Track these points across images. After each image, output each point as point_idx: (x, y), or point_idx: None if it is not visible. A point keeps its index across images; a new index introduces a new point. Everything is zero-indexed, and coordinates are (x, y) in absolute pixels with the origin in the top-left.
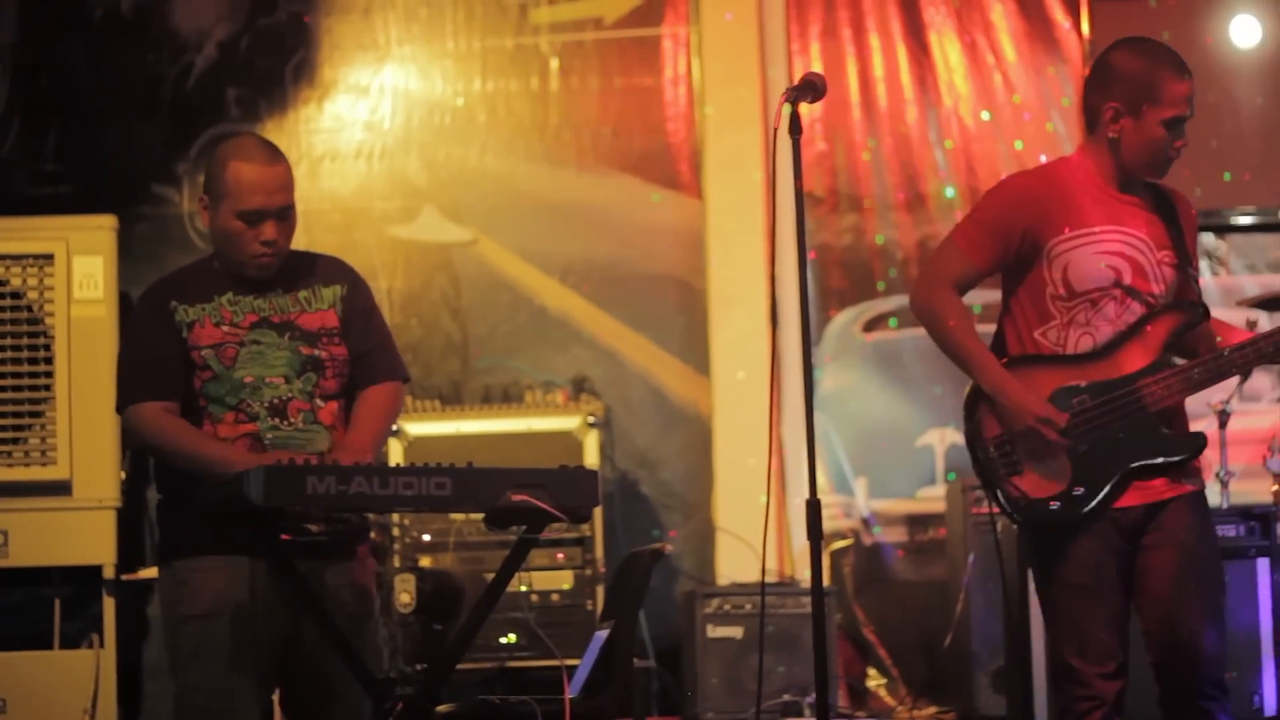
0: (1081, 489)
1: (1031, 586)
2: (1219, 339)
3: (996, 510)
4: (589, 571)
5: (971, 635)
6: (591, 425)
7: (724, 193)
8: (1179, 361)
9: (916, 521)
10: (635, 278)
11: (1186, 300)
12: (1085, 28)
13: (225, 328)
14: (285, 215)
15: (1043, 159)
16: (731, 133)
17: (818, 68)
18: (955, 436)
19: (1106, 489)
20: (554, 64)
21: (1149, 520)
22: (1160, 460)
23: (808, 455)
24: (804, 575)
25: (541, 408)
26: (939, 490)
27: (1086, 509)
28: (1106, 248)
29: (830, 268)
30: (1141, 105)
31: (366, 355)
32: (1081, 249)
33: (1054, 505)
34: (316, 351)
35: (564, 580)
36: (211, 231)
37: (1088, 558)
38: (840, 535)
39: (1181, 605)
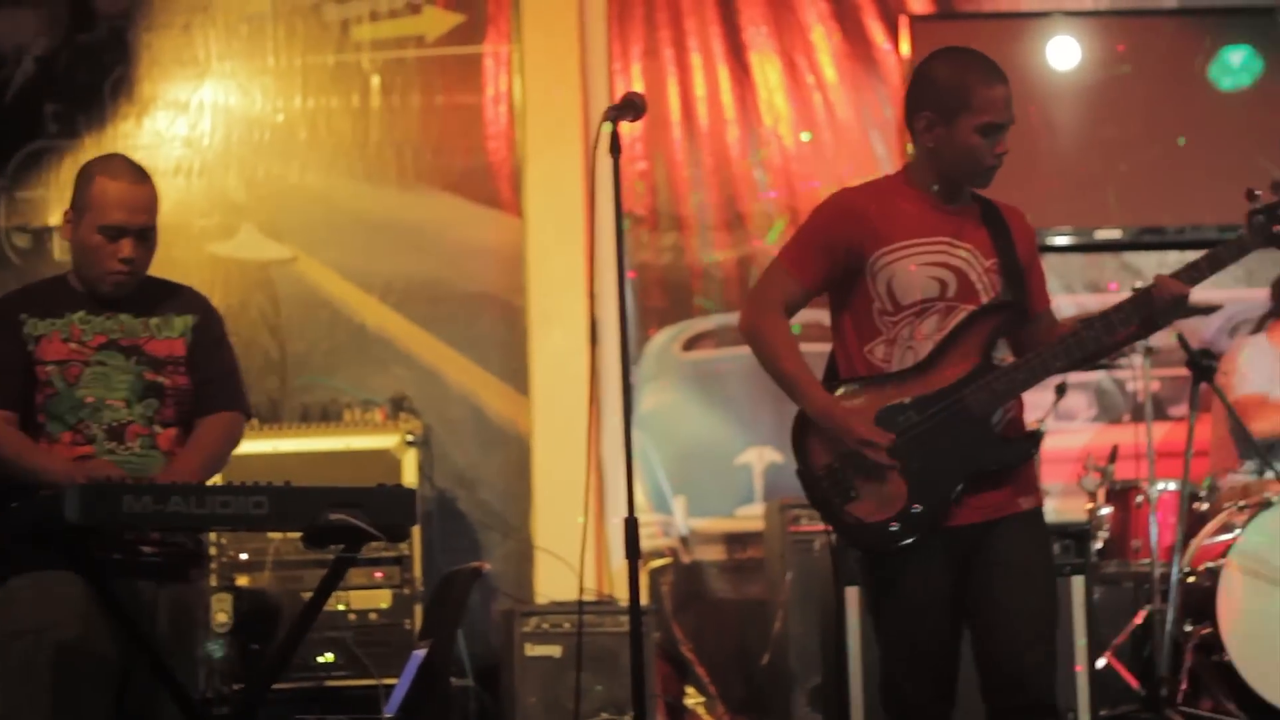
0: (920, 506)
1: (848, 604)
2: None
3: (830, 529)
4: (407, 591)
5: (789, 653)
6: (410, 444)
7: (544, 211)
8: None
9: (735, 540)
10: (455, 296)
11: (1003, 301)
12: (905, 48)
13: (73, 345)
14: (145, 236)
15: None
16: (552, 151)
17: (639, 87)
18: (774, 455)
19: (942, 503)
20: (375, 81)
21: (985, 538)
22: (992, 467)
23: (625, 474)
24: (623, 594)
25: (360, 426)
26: (757, 509)
27: (926, 525)
28: (930, 259)
29: (650, 286)
30: (954, 113)
31: (208, 384)
32: (904, 262)
33: (894, 527)
34: (160, 379)
35: (382, 599)
36: (72, 245)
37: (922, 577)
38: (659, 554)
39: (1012, 628)
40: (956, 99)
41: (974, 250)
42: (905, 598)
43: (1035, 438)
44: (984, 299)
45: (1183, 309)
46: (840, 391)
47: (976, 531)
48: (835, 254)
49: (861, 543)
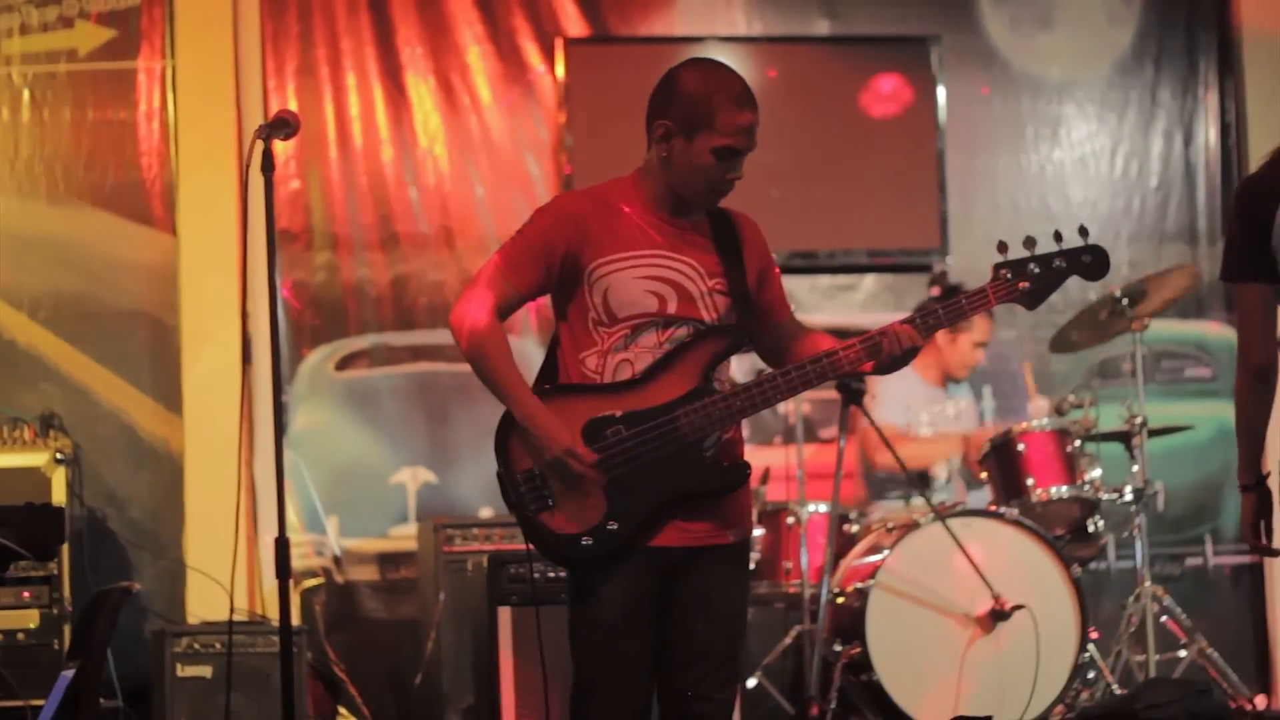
0: (615, 524)
1: (501, 624)
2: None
3: (533, 547)
4: (55, 610)
5: (442, 673)
6: (59, 462)
7: (197, 229)
8: (722, 388)
9: (388, 560)
10: (106, 313)
11: (729, 326)
12: (560, 71)
13: None
14: None
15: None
16: (206, 168)
17: (294, 105)
18: (427, 475)
19: (641, 522)
20: (25, 95)
21: (686, 566)
22: (696, 491)
23: (277, 493)
24: (275, 614)
25: (7, 444)
26: (411, 529)
27: (620, 544)
28: (650, 273)
29: (304, 305)
30: (695, 128)
31: None
32: (623, 273)
33: (586, 541)
34: None
35: (30, 619)
36: None
37: (619, 597)
38: (311, 573)
39: (699, 668)
40: (701, 115)
41: (698, 266)
42: (603, 615)
43: (746, 467)
44: (705, 316)
45: (913, 357)
46: (550, 398)
47: (681, 556)
48: (552, 260)
49: (552, 554)
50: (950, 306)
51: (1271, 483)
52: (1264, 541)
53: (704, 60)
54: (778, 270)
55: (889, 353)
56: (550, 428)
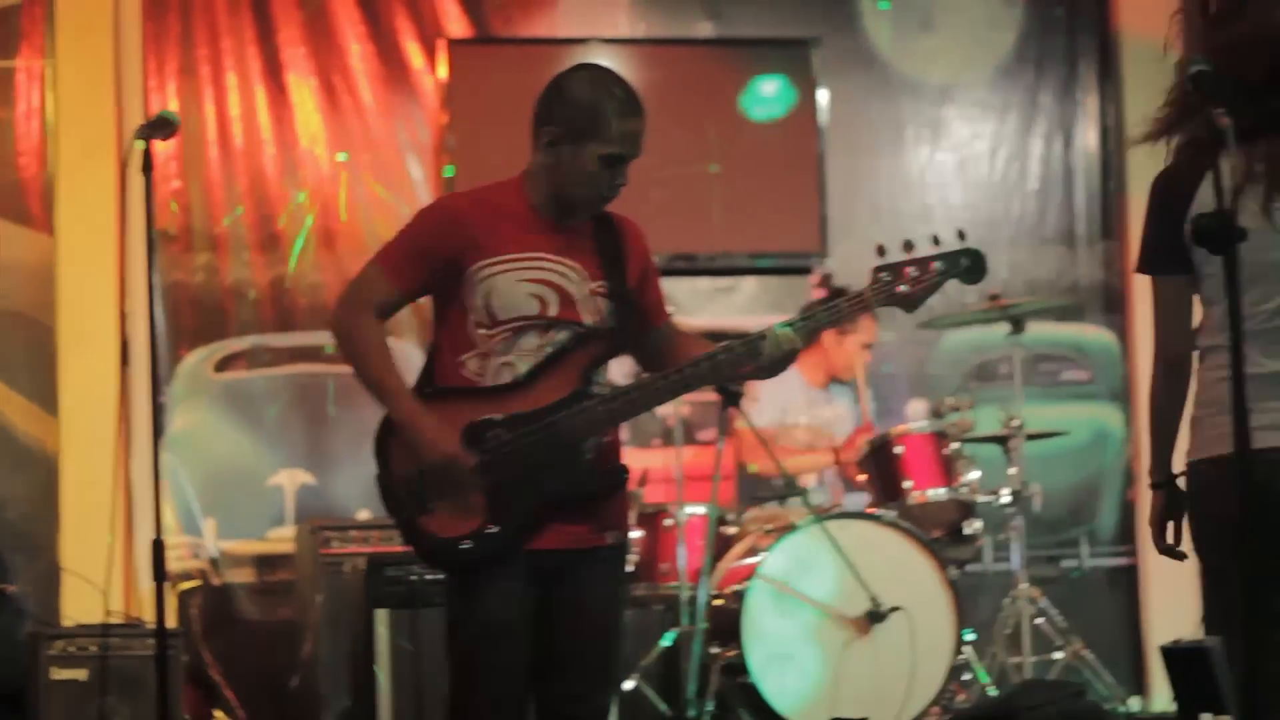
0: (495, 527)
1: (378, 626)
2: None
3: (414, 551)
4: None
5: (319, 675)
6: None
7: (76, 229)
8: (602, 391)
9: (265, 562)
10: None
11: (610, 328)
12: (442, 71)
13: None
14: None
15: (396, 201)
16: (85, 169)
17: (174, 105)
18: (305, 477)
19: (521, 525)
20: None
21: (564, 569)
22: (576, 494)
23: (153, 495)
24: (151, 616)
25: None
26: (288, 531)
27: (500, 547)
28: (532, 275)
29: (182, 306)
30: (582, 135)
31: None
32: (504, 276)
33: (465, 545)
34: None
35: None
36: None
37: (497, 600)
38: (188, 576)
39: (576, 675)
40: (588, 123)
41: (580, 270)
42: (483, 619)
43: (624, 470)
44: (587, 320)
45: (793, 360)
46: (431, 401)
47: (559, 559)
48: (434, 261)
49: (431, 557)
50: (830, 309)
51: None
52: (1171, 542)
53: (592, 66)
54: (658, 275)
55: (769, 355)
56: (431, 431)
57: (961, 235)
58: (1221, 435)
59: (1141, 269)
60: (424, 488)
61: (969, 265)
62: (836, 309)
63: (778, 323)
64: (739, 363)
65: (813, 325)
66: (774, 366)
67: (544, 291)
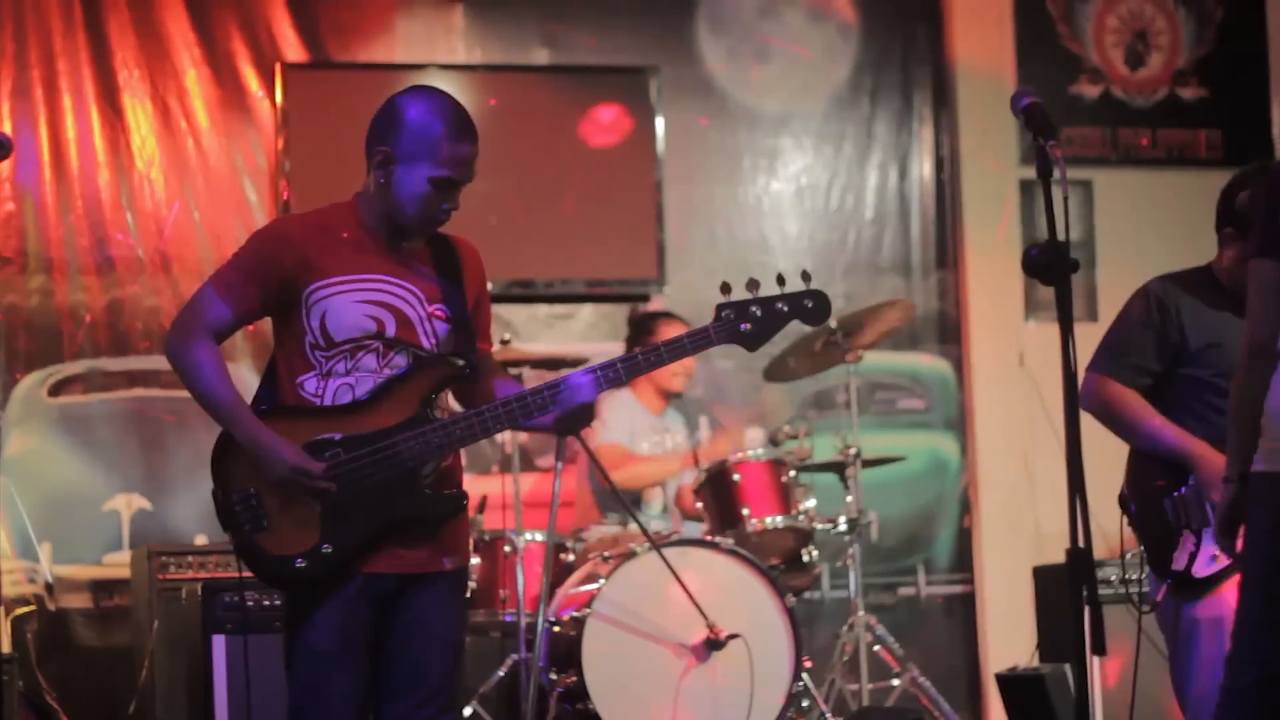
0: (330, 547)
1: (216, 652)
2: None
3: (244, 574)
4: None
5: (156, 702)
6: None
7: None
8: (442, 416)
9: (101, 587)
10: None
11: (451, 354)
12: (279, 96)
13: None
14: None
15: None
16: None
17: (8, 127)
18: (142, 502)
19: (356, 546)
20: None
21: (402, 594)
22: (414, 517)
23: None
24: None
25: None
26: (125, 556)
27: (334, 567)
28: (368, 297)
29: (17, 330)
30: (414, 157)
31: None
32: (340, 297)
33: (300, 563)
34: None
35: None
36: None
37: (334, 623)
38: (23, 601)
39: (414, 692)
40: (420, 145)
41: (417, 291)
42: (317, 642)
43: (463, 496)
44: (424, 342)
45: (590, 414)
46: (268, 419)
47: (397, 583)
48: (269, 283)
49: (266, 575)
50: (671, 346)
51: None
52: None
53: (427, 89)
54: (489, 303)
55: (565, 402)
56: (275, 446)
57: (806, 276)
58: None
59: (1250, 255)
60: (260, 505)
61: (813, 306)
62: (679, 345)
63: (579, 370)
64: (546, 404)
65: (612, 377)
66: (574, 418)
67: (380, 313)
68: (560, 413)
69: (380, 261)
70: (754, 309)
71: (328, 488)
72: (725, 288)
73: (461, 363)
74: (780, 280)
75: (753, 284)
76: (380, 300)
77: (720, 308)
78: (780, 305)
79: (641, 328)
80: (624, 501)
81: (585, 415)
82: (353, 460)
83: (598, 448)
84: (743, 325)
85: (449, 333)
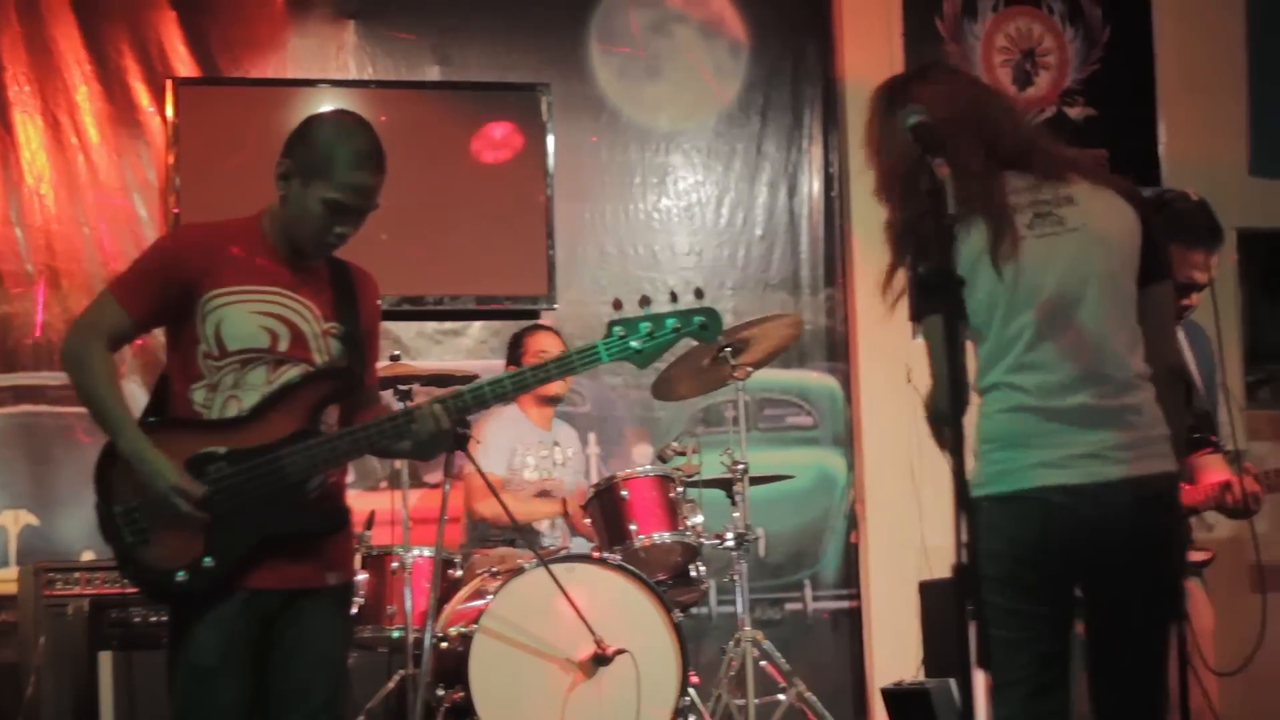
0: (212, 560)
1: (102, 669)
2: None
3: (74, 592)
4: None
5: (42, 718)
6: None
7: None
8: (329, 430)
9: None
10: None
11: (339, 367)
12: (170, 111)
13: None
14: None
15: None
16: None
17: None
18: (29, 518)
19: (239, 560)
20: None
21: (286, 609)
22: (297, 532)
23: None
24: None
25: None
26: (11, 572)
27: (216, 581)
28: (264, 309)
29: None
30: (312, 175)
31: None
32: (236, 307)
33: (181, 577)
34: None
35: None
36: None
37: (216, 639)
38: None
39: (299, 708)
40: (320, 164)
41: (313, 309)
42: (199, 658)
43: (347, 511)
44: (317, 359)
45: (447, 440)
46: (155, 432)
47: (281, 599)
48: (169, 290)
49: (148, 589)
50: (561, 363)
51: None
52: None
53: (345, 113)
54: (378, 337)
55: (420, 432)
56: (156, 463)
57: (699, 294)
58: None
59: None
60: (143, 519)
61: (705, 324)
62: (567, 362)
63: (435, 399)
64: (403, 429)
65: (506, 393)
66: (430, 443)
67: (275, 325)
68: (413, 441)
69: (279, 275)
70: (645, 326)
71: (202, 518)
72: (617, 304)
73: (350, 370)
74: (673, 297)
75: (644, 301)
76: (276, 313)
77: (611, 324)
78: (672, 322)
79: (514, 343)
80: (512, 518)
81: (441, 441)
82: (237, 474)
83: (472, 475)
84: (633, 342)
85: (341, 351)
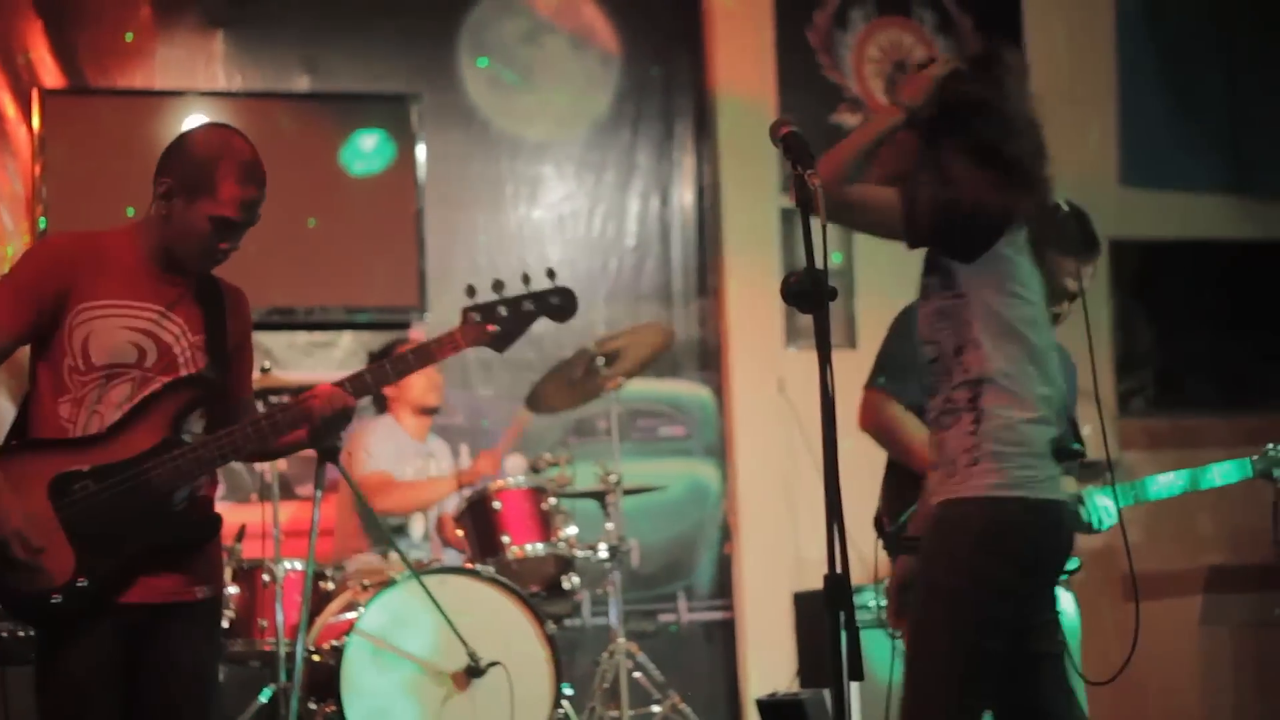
0: (85, 581)
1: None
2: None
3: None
4: None
5: None
6: None
7: None
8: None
9: None
10: None
11: (197, 376)
12: (36, 122)
13: None
14: None
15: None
16: None
17: None
18: None
19: (111, 577)
20: None
21: (154, 624)
22: (165, 544)
23: None
24: None
25: None
26: None
27: (90, 600)
28: (133, 324)
29: None
30: (195, 191)
31: None
32: (105, 321)
33: (56, 599)
34: None
35: None
36: None
37: (85, 656)
38: None
39: None
40: (203, 181)
41: (183, 325)
42: (68, 676)
43: (216, 520)
44: (183, 374)
45: (347, 419)
46: (18, 454)
47: (149, 613)
48: (41, 302)
49: (22, 613)
50: (419, 353)
51: None
52: None
53: (221, 126)
54: (251, 350)
55: (320, 414)
56: (5, 504)
57: (551, 274)
58: None
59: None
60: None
61: (559, 303)
62: (425, 352)
63: (325, 384)
64: (295, 421)
65: (366, 384)
66: (326, 426)
67: (144, 342)
68: (315, 424)
69: (151, 290)
70: (500, 309)
71: (36, 568)
72: (471, 290)
73: (210, 379)
74: (525, 279)
75: (498, 285)
76: (146, 329)
77: (466, 310)
78: (527, 304)
79: (384, 354)
80: (384, 530)
81: (342, 420)
82: (103, 491)
83: (364, 477)
84: (489, 326)
85: (208, 366)
